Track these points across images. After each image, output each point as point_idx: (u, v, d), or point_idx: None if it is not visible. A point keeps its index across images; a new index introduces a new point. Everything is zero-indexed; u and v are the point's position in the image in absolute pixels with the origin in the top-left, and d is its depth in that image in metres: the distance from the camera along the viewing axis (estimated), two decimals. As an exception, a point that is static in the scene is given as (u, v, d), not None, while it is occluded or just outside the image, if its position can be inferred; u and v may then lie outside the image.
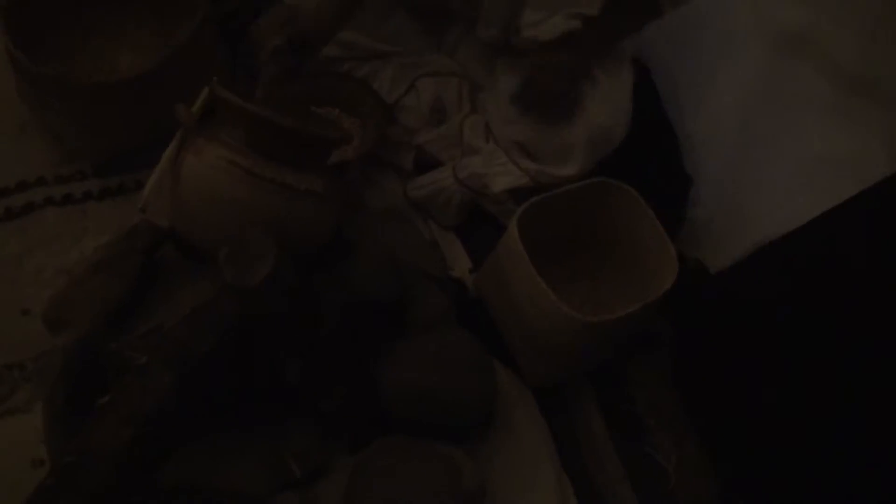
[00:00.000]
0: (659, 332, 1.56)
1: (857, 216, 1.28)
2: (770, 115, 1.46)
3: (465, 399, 1.33)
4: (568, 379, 1.51)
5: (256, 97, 1.42)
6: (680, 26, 1.60)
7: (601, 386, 1.52)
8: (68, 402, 1.31)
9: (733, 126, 1.54)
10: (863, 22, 1.30)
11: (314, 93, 1.71)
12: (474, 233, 1.65)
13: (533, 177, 1.50)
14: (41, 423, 1.34)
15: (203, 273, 1.42)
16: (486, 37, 1.57)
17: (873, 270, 1.22)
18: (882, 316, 1.21)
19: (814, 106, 1.37)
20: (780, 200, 1.43)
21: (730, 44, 1.51)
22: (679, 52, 1.66)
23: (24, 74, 1.56)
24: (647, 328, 1.53)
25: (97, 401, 1.31)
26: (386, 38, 1.65)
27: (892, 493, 1.17)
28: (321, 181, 1.34)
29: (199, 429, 1.31)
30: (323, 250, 1.41)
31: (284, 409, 1.36)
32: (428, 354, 1.34)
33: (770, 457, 1.35)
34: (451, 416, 1.33)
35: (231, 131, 1.30)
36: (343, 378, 1.33)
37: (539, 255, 1.44)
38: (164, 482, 1.26)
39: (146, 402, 1.23)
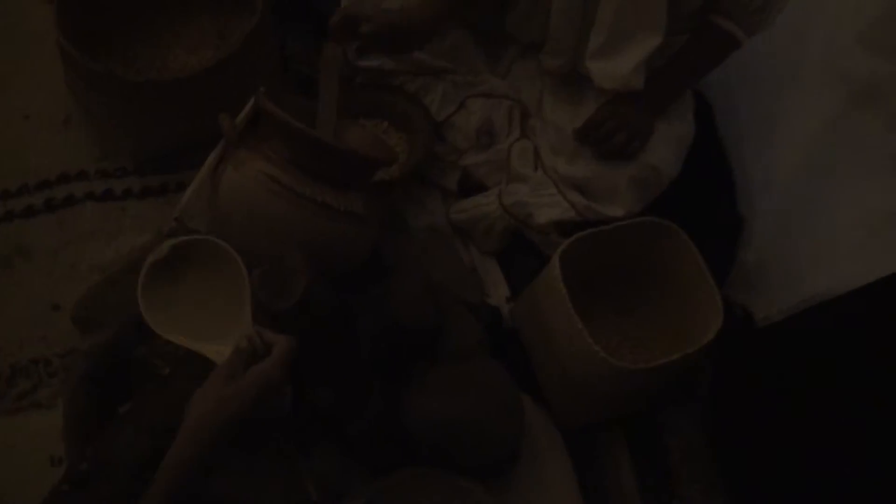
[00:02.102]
0: (698, 379, 1.51)
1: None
2: (834, 164, 1.40)
3: (491, 435, 1.29)
4: (599, 421, 1.46)
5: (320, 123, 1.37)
6: (750, 63, 1.54)
7: (634, 431, 1.47)
8: (90, 405, 1.30)
9: (794, 170, 1.48)
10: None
11: (364, 104, 1.68)
12: (515, 260, 1.61)
13: (580, 211, 1.46)
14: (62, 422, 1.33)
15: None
16: (552, 67, 1.53)
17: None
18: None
19: (881, 161, 1.31)
20: (836, 256, 1.36)
21: (800, 87, 1.45)
22: (746, 88, 1.60)
23: (73, 67, 1.56)
24: (686, 375, 1.48)
25: (119, 407, 1.30)
26: (441, 55, 1.61)
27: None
28: (362, 201, 1.31)
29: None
30: (359, 270, 1.38)
31: (308, 430, 1.33)
32: (456, 386, 1.30)
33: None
34: (474, 450, 1.29)
35: (274, 145, 1.27)
36: (370, 404, 1.29)
37: (581, 288, 1.40)
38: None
39: (169, 416, 1.22)
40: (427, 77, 1.63)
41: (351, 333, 1.24)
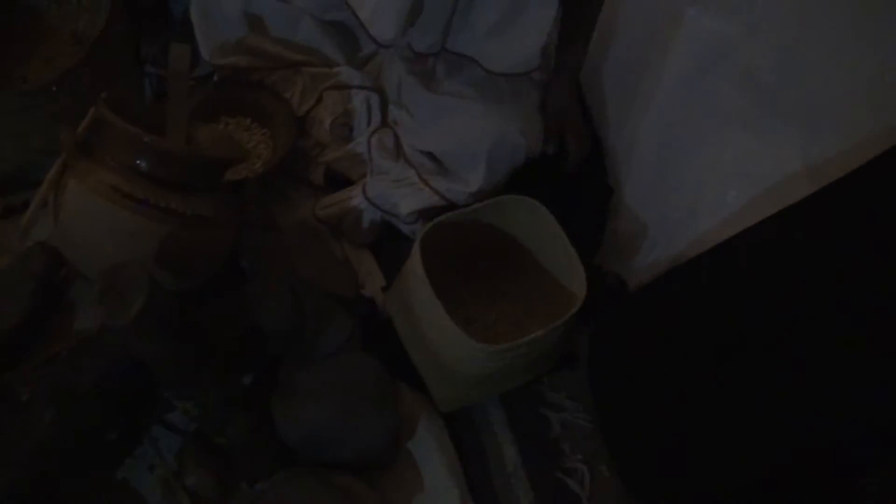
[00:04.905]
0: (575, 350, 1.51)
1: (773, 236, 1.23)
2: (690, 128, 1.40)
3: (362, 431, 1.27)
4: (479, 402, 1.46)
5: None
6: (609, 31, 1.55)
7: (513, 408, 1.47)
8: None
9: (655, 138, 1.48)
10: (782, 37, 1.24)
11: (226, 102, 1.65)
12: (390, 248, 1.59)
13: (442, 195, 1.45)
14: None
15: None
16: (423, 47, 1.47)
17: (787, 292, 1.17)
18: (797, 341, 1.17)
19: (732, 121, 1.30)
20: (697, 216, 1.37)
21: (652, 54, 1.45)
22: (607, 58, 1.61)
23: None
24: (563, 347, 1.48)
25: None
26: (294, 48, 1.59)
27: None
28: (212, 204, 1.28)
29: (88, 464, 1.27)
30: (218, 276, 1.35)
31: (178, 442, 1.31)
32: (325, 385, 1.28)
33: (685, 482, 1.31)
34: (347, 449, 1.28)
35: (115, 154, 1.24)
36: (239, 412, 1.27)
37: (452, 272, 1.39)
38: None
39: (28, 443, 1.19)
40: (286, 71, 1.60)
41: (203, 343, 1.22)
